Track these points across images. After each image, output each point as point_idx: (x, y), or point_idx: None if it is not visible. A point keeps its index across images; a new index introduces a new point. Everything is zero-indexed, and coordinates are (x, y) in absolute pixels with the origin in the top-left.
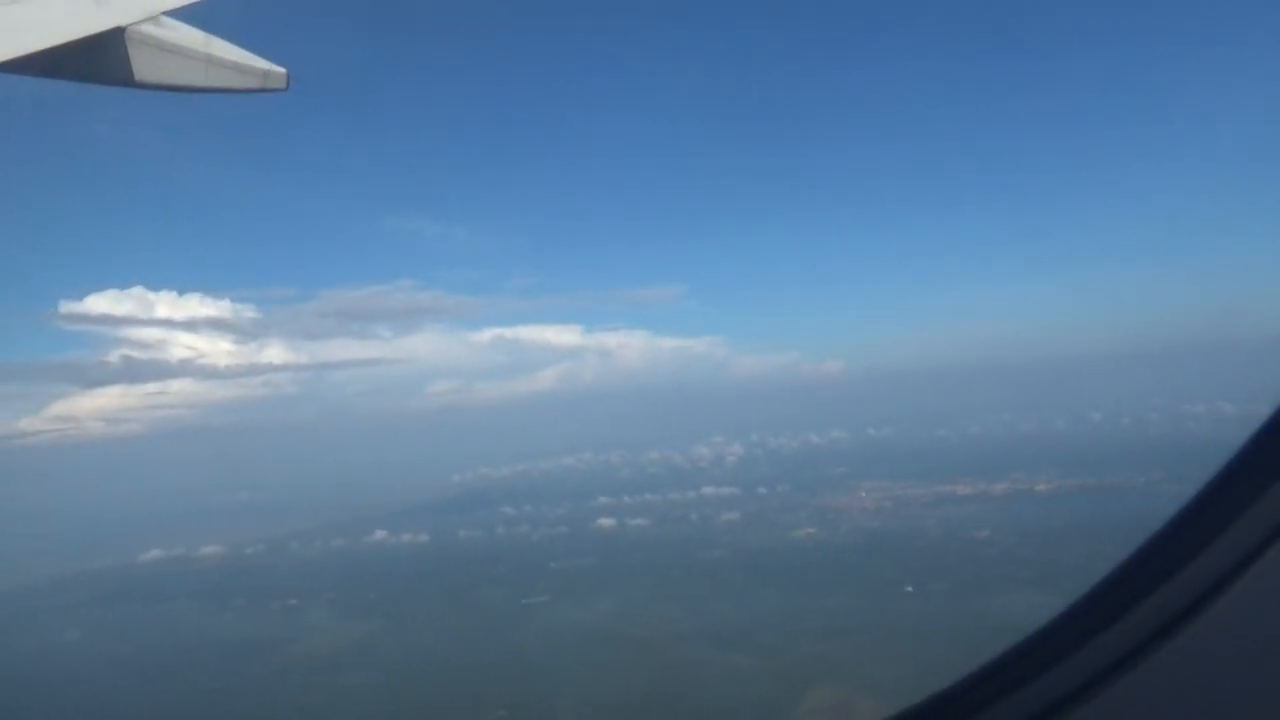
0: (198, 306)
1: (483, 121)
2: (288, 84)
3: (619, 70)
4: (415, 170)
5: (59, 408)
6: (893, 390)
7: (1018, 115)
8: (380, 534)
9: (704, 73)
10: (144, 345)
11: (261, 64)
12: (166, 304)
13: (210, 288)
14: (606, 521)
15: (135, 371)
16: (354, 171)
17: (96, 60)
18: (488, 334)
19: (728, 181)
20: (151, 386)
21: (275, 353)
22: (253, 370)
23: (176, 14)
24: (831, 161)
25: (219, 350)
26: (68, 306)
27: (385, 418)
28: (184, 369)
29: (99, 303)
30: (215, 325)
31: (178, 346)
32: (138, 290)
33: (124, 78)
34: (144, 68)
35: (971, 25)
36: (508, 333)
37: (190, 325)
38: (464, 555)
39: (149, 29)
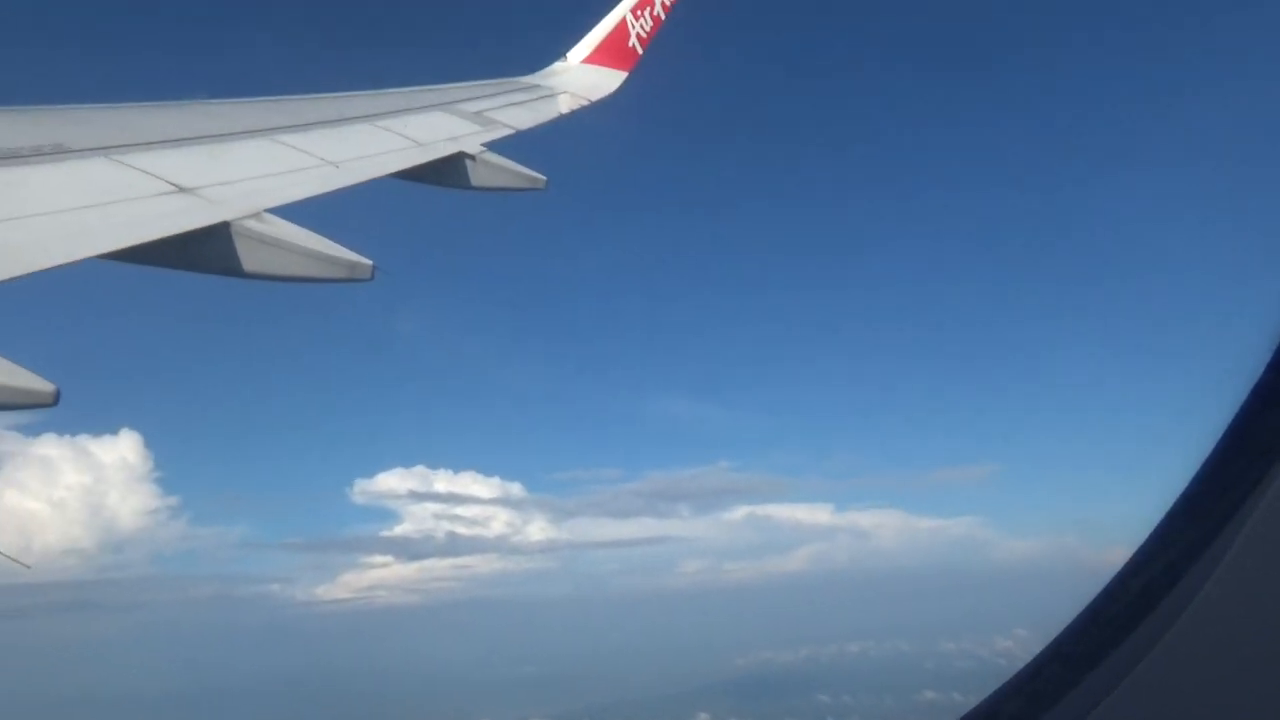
0: (471, 484)
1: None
2: (373, 275)
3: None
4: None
5: (351, 577)
6: None
7: None
8: (703, 716)
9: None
10: (424, 520)
11: (350, 256)
12: (444, 481)
13: (494, 469)
14: None
15: (421, 546)
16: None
17: (200, 251)
18: (739, 512)
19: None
20: (430, 561)
21: (539, 530)
22: (519, 548)
23: (276, 211)
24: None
25: (488, 525)
26: (361, 485)
27: (643, 596)
28: (453, 545)
29: (388, 480)
30: (491, 503)
31: (455, 522)
32: (419, 469)
33: (228, 268)
34: (247, 259)
35: None
36: (759, 510)
37: (468, 501)
38: None
39: (252, 224)
